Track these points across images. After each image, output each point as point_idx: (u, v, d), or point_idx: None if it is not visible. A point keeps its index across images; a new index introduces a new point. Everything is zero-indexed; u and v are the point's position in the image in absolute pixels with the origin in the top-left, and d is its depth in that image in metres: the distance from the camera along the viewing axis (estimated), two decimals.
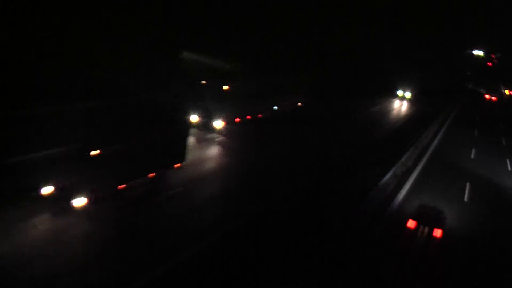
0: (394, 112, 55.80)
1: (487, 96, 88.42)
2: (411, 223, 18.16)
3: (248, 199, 20.97)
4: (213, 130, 30.08)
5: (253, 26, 74.32)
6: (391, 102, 60.86)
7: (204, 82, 39.79)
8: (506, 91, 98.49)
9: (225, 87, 40.17)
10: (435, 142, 40.83)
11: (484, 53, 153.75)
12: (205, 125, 29.78)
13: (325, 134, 36.88)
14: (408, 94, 63.65)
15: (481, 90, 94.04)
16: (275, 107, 41.06)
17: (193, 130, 28.14)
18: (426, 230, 17.83)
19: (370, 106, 54.32)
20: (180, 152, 21.20)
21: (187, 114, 25.24)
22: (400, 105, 60.51)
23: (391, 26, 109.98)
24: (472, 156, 38.20)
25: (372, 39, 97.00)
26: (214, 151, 27.84)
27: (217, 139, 29.61)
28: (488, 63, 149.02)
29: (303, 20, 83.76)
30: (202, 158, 25.63)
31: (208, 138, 29.43)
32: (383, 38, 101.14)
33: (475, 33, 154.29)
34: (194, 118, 29.08)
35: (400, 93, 63.82)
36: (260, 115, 37.52)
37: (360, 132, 40.05)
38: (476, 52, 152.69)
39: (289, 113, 42.85)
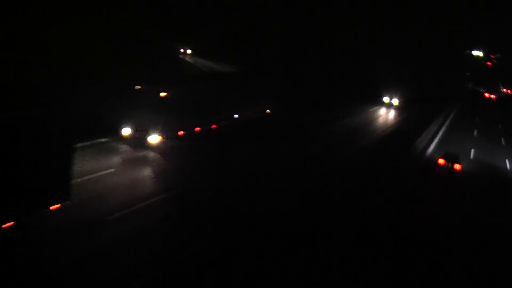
0: (375, 123, 45.90)
1: (486, 95, 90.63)
2: (441, 161, 32.01)
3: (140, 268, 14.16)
4: (147, 146, 24.49)
5: (250, 27, 73.32)
6: (374, 110, 52.38)
7: (138, 87, 34.15)
8: (504, 90, 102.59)
9: (163, 94, 34.43)
10: (436, 140, 40.91)
11: (484, 54, 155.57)
12: (137, 140, 24.46)
13: (289, 152, 29.34)
14: (395, 101, 55.75)
15: (481, 89, 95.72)
16: (236, 115, 34.82)
17: (123, 147, 23.79)
18: (450, 165, 31.47)
19: (349, 115, 46.31)
20: (60, 186, 14.63)
21: (74, 133, 16.95)
22: (385, 113, 52.16)
23: (389, 26, 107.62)
24: (472, 156, 38.09)
25: (365, 40, 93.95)
26: (137, 176, 20.99)
27: (150, 158, 23.43)
28: (488, 63, 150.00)
29: (297, 21, 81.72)
30: (112, 189, 18.80)
31: (138, 157, 23.25)
32: (378, 38, 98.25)
33: (475, 33, 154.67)
34: (126, 131, 24.38)
35: (386, 99, 56.02)
36: (214, 126, 31.19)
37: (317, 155, 29.89)
38: (475, 53, 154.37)
39: (253, 122, 35.99)
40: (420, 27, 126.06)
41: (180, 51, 57.64)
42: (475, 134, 48.20)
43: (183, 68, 51.21)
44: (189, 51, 58.06)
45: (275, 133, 33.33)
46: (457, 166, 31.58)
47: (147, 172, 21.64)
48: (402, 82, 67.97)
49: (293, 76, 59.09)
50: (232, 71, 54.50)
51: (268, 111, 39.45)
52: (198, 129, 29.61)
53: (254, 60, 62.95)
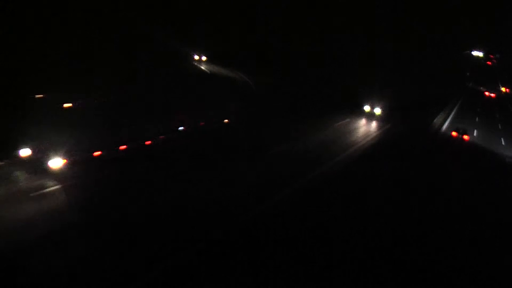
0: (348, 138, 35.98)
1: (486, 93, 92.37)
2: (454, 133, 43.90)
3: None
4: (48, 172, 18.91)
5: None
6: (350, 122, 42.23)
7: (40, 96, 28.16)
8: (503, 89, 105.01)
9: (67, 105, 27.89)
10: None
11: (484, 54, 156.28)
12: (37, 165, 19.13)
13: (233, 176, 22.71)
14: (378, 110, 46.42)
15: (481, 88, 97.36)
16: (181, 128, 28.19)
17: (17, 173, 18.37)
18: (461, 136, 43.21)
19: (319, 128, 36.71)
20: None
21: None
22: (363, 125, 42.36)
23: (384, 27, 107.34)
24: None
25: (357, 41, 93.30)
26: (22, 215, 15.44)
27: (48, 190, 17.56)
28: (488, 62, 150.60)
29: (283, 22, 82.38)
30: None
31: (31, 187, 17.45)
32: (371, 40, 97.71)
33: (475, 33, 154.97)
34: (25, 153, 19.49)
35: (367, 108, 46.63)
36: (148, 142, 24.47)
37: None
38: (475, 53, 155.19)
39: (203, 135, 28.69)
40: (418, 28, 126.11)
41: (194, 57, 58.02)
42: (474, 134, 49.00)
43: (179, 72, 49.15)
44: (204, 58, 58.45)
45: (224, 150, 26.26)
46: (465, 137, 43.56)
47: (36, 209, 15.99)
48: (392, 86, 65.00)
49: (277, 80, 55.73)
50: (222, 75, 52.99)
51: (226, 120, 32.71)
52: (123, 147, 22.92)
53: (266, 66, 62.29)
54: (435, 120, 50.12)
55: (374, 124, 43.14)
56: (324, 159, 28.21)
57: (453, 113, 59.72)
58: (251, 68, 58.10)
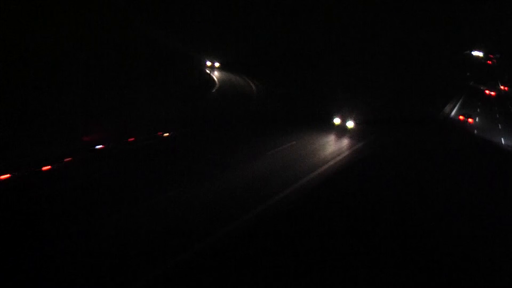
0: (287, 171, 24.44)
1: (487, 92, 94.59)
2: (461, 117, 56.66)
3: None
4: None
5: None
6: (317, 138, 33.33)
7: None
8: (502, 87, 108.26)
9: None
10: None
11: (484, 54, 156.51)
12: None
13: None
14: (350, 123, 37.83)
15: (481, 87, 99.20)
16: (99, 146, 21.11)
17: None
18: (466, 119, 55.94)
19: (269, 147, 27.64)
20: None
21: None
22: (329, 142, 33.49)
23: (382, 28, 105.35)
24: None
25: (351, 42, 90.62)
26: None
27: None
28: (488, 62, 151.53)
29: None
30: None
31: None
32: (367, 40, 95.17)
33: (475, 34, 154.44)
34: None
35: (337, 121, 38.03)
36: (46, 168, 17.68)
37: None
38: (475, 53, 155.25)
39: (130, 155, 21.65)
40: (417, 28, 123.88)
41: (206, 63, 57.24)
42: (475, 132, 50.68)
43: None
44: (217, 64, 58.20)
45: (139, 181, 18.73)
46: (470, 120, 54.18)
47: None
48: (380, 91, 61.69)
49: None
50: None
51: (166, 134, 26.25)
52: (5, 176, 16.17)
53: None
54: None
55: (346, 142, 33.89)
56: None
57: (454, 110, 61.08)
58: (263, 75, 57.63)
